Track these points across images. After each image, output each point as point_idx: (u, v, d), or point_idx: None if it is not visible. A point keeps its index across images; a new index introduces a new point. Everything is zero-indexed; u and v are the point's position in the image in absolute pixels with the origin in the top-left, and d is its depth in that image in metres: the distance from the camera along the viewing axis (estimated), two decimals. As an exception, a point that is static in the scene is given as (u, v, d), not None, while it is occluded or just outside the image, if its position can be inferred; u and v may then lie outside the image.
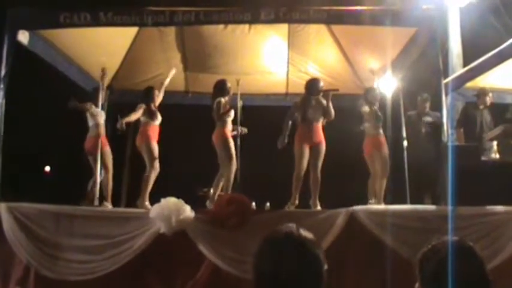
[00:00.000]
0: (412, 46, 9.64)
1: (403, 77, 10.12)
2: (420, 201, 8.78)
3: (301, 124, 8.88)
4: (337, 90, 9.11)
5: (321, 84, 9.04)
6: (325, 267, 2.20)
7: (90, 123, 9.26)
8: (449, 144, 8.03)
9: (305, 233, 2.25)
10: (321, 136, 8.83)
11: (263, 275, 2.19)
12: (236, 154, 8.86)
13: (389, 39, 9.43)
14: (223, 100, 8.90)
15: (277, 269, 2.15)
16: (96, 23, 8.56)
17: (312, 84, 9.06)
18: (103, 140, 9.30)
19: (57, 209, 7.73)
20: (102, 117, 9.41)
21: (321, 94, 8.90)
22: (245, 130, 9.28)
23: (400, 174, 9.14)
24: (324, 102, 8.88)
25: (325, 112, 8.87)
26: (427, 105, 9.97)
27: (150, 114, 9.03)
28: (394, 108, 9.75)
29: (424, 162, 9.29)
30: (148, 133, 8.91)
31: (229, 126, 8.92)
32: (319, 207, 8.45)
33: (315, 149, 8.74)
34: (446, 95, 8.37)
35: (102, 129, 9.34)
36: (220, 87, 9.07)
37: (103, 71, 9.51)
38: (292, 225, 2.29)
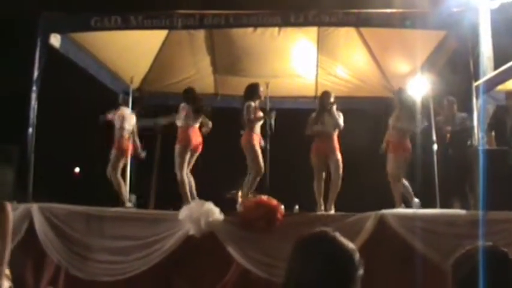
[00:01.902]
0: (442, 49, 9.56)
1: (433, 80, 10.02)
2: (449, 206, 8.68)
3: (316, 137, 9.07)
4: (333, 104, 9.15)
5: (331, 98, 9.16)
6: (360, 272, 2.19)
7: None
8: (480, 148, 7.94)
9: (342, 238, 2.25)
10: (335, 147, 8.98)
11: (296, 278, 2.19)
12: (265, 157, 8.89)
13: (419, 42, 9.37)
14: (253, 104, 8.91)
15: (309, 272, 2.15)
16: (126, 26, 8.65)
17: (323, 98, 9.23)
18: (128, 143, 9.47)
19: (87, 210, 7.81)
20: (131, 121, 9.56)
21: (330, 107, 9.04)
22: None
23: (430, 178, 9.06)
24: (335, 113, 9.05)
25: (335, 124, 9.03)
26: (455, 107, 9.84)
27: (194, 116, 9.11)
28: (424, 112, 9.64)
29: (453, 166, 9.20)
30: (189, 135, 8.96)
31: (257, 130, 8.94)
32: (333, 211, 8.63)
33: (331, 160, 8.94)
34: (477, 98, 8.29)
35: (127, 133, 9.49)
36: (253, 91, 9.07)
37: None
38: (327, 229, 2.29)
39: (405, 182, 9.00)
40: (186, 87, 9.54)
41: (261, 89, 9.15)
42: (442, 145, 9.43)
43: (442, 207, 8.47)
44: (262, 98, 9.18)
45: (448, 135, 9.66)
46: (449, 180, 9.16)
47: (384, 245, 7.11)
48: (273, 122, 9.07)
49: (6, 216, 4.56)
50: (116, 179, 9.32)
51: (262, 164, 8.78)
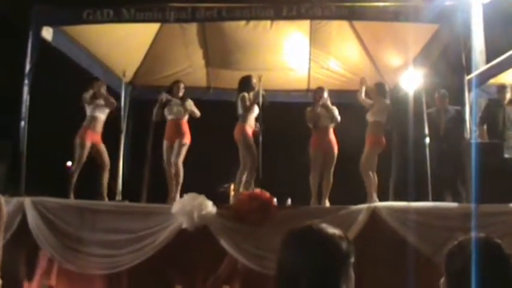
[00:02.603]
0: (434, 42, 9.55)
1: (426, 73, 10.03)
2: (441, 199, 8.71)
3: (313, 131, 9.23)
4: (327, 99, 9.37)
5: (325, 94, 9.39)
6: (351, 259, 2.19)
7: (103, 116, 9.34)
8: (472, 141, 7.97)
9: (329, 228, 2.25)
10: (332, 141, 9.20)
11: (285, 268, 2.20)
12: (258, 150, 8.93)
13: (412, 35, 9.37)
14: (246, 95, 8.99)
15: (298, 263, 2.15)
16: (119, 19, 8.63)
17: (317, 94, 9.48)
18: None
19: (80, 203, 7.81)
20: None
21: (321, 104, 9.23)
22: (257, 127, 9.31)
23: (422, 171, 9.09)
24: (330, 108, 9.25)
25: (331, 118, 9.22)
26: (446, 101, 9.84)
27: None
28: (416, 105, 9.68)
29: (445, 159, 9.22)
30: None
31: (250, 122, 9.00)
32: (327, 205, 8.75)
33: (327, 154, 9.14)
34: (469, 91, 8.32)
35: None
36: (246, 83, 9.23)
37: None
38: (315, 221, 2.30)
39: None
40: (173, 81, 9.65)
41: (254, 80, 9.30)
42: (435, 138, 9.45)
43: (434, 200, 8.50)
44: (256, 90, 9.23)
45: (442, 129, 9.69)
46: (442, 173, 9.19)
47: (377, 237, 7.13)
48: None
49: (0, 211, 4.51)
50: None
51: (255, 154, 8.85)
